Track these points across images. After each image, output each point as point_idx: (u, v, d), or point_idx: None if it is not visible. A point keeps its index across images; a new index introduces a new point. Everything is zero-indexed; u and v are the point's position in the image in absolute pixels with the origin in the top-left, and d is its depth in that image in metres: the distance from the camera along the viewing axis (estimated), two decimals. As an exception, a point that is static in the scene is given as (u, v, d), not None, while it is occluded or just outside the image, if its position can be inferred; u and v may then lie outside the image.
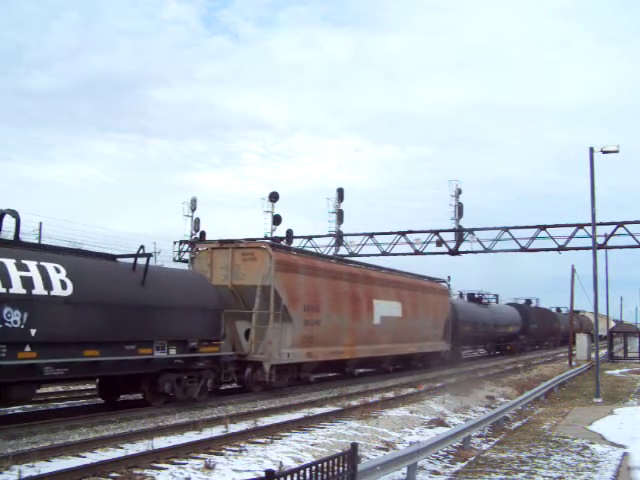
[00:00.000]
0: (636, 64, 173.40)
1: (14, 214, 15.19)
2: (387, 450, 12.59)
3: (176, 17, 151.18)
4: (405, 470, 10.30)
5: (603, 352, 47.71)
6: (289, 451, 11.81)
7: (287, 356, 21.33)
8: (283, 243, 38.26)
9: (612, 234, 32.23)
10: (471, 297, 47.86)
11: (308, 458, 11.04)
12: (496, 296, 52.76)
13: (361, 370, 28.73)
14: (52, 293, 14.13)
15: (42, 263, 14.30)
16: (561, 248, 33.62)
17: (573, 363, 38.13)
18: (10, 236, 15.74)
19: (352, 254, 36.69)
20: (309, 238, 38.08)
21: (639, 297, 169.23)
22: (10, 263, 13.54)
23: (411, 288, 31.24)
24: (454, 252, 35.71)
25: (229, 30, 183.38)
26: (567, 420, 17.34)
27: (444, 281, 37.46)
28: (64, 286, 14.44)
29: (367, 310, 26.43)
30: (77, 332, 14.64)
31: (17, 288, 13.43)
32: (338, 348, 24.26)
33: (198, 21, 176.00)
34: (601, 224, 29.09)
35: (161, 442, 12.71)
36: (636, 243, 32.02)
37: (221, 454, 11.80)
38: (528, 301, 62.42)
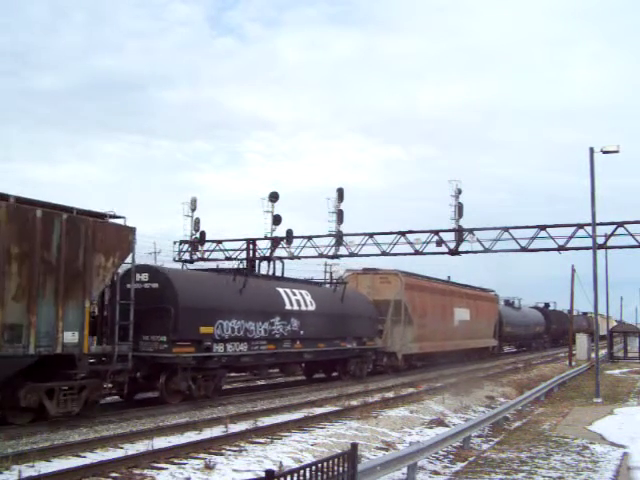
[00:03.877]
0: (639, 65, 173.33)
1: (281, 260, 25.00)
2: (387, 450, 12.58)
3: (183, 18, 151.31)
4: (405, 470, 10.30)
5: (603, 352, 47.66)
6: (289, 451, 11.80)
7: (409, 349, 30.33)
8: (283, 243, 38.23)
9: (612, 234, 32.12)
10: (506, 302, 53.95)
11: (308, 458, 11.03)
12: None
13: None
14: (307, 309, 23.07)
15: (300, 290, 23.39)
16: (561, 248, 33.46)
17: (573, 363, 38.10)
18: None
19: (352, 254, 36.63)
20: (309, 238, 37.88)
21: (639, 297, 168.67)
22: (289, 291, 22.64)
23: (474, 297, 40.88)
24: (454, 252, 35.51)
25: (235, 31, 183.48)
26: (567, 420, 17.34)
27: (493, 291, 45.90)
28: (312, 304, 23.42)
29: (450, 315, 35.94)
30: (316, 332, 23.36)
31: (295, 306, 22.46)
32: (435, 343, 33.36)
33: (205, 22, 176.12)
34: (601, 224, 28.95)
35: (161, 442, 12.71)
36: (636, 243, 31.88)
37: (221, 454, 11.79)
38: (547, 304, 69.07)
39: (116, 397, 17.70)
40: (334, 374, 26.72)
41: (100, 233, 15.11)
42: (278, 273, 25.60)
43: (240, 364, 20.61)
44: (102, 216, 15.63)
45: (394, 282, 30.14)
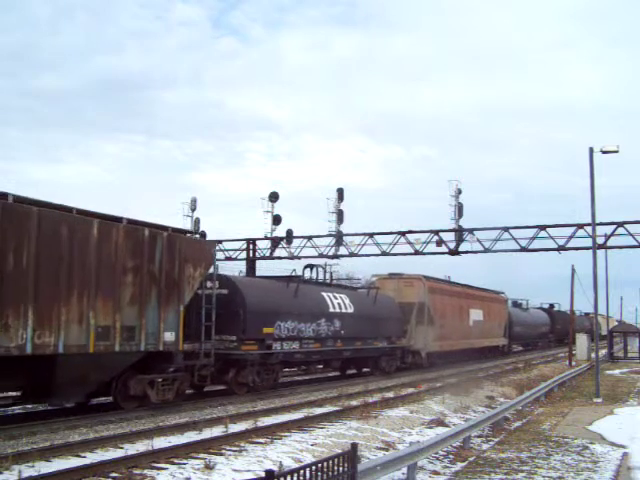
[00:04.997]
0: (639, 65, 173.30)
1: (325, 268, 28.44)
2: (387, 450, 12.58)
3: (185, 18, 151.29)
4: (405, 470, 10.29)
5: (603, 352, 47.62)
6: (289, 451, 11.80)
7: (432, 347, 32.76)
8: (283, 243, 38.26)
9: (612, 234, 32.14)
10: (515, 303, 56.59)
11: (308, 458, 11.03)
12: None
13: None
14: (347, 311, 25.52)
15: (341, 295, 25.96)
16: (561, 248, 33.51)
17: (573, 363, 38.08)
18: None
19: (352, 254, 36.65)
20: (309, 238, 37.96)
21: (639, 297, 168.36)
22: (331, 295, 25.15)
23: (486, 299, 43.19)
24: (454, 252, 35.57)
25: (238, 31, 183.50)
26: (567, 420, 17.33)
27: (503, 293, 48.73)
28: (350, 307, 25.87)
29: (466, 316, 38.50)
30: (354, 332, 25.93)
31: (337, 309, 24.93)
32: (452, 342, 35.73)
33: (207, 22, 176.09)
34: (601, 224, 28.99)
35: (161, 442, 12.70)
36: (636, 243, 31.93)
37: (221, 454, 11.79)
38: (551, 305, 70.78)
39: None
40: (364, 370, 29.18)
41: (189, 248, 17.52)
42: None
43: (293, 360, 23.19)
44: (189, 232, 17.92)
45: (417, 286, 32.60)
